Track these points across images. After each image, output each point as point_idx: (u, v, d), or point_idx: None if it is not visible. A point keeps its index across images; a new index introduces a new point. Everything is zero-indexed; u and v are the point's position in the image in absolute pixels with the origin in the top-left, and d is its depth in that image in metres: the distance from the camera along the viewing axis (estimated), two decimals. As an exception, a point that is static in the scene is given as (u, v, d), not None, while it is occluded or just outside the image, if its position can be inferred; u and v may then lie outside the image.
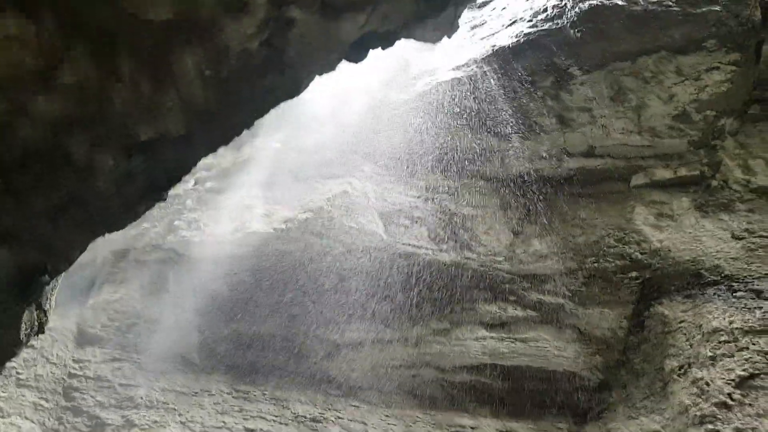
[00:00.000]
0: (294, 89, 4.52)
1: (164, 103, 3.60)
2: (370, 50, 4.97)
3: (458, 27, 6.24)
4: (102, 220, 3.83)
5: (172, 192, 12.26)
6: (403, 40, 5.37)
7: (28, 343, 4.46)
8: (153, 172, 3.89)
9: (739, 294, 9.09)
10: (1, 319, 3.82)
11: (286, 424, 10.34)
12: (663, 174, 10.42)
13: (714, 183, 10.06)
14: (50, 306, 4.56)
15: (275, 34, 3.84)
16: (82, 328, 11.81)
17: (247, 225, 11.18)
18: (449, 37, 6.03)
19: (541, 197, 10.97)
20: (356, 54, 4.80)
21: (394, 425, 10.29)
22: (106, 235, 11.98)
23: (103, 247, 12.34)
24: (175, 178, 4.18)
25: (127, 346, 11.56)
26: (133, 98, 3.43)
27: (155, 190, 4.11)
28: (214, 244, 11.29)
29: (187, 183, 12.12)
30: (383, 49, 5.22)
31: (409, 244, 11.03)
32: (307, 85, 4.65)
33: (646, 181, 10.50)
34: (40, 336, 11.17)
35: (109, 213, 3.83)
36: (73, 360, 11.42)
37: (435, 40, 5.85)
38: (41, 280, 3.68)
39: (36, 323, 4.35)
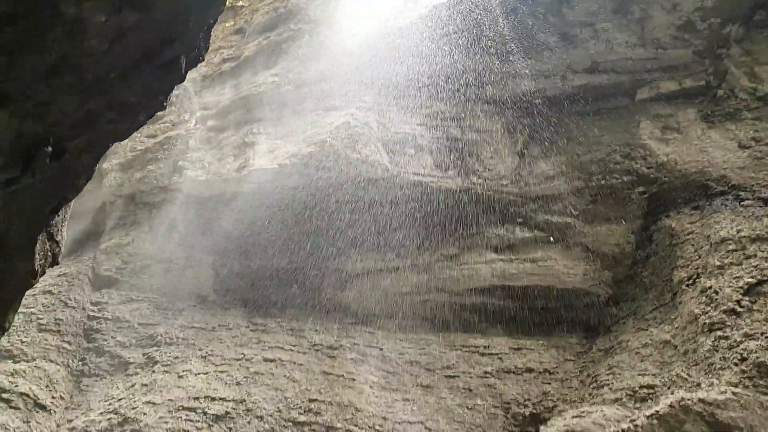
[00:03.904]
0: None
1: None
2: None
3: None
4: (96, 86, 3.69)
5: (173, 133, 12.27)
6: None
7: (43, 274, 4.50)
8: (145, 33, 3.73)
9: (746, 203, 9.10)
10: (16, 243, 3.85)
11: (304, 353, 10.58)
12: (668, 86, 10.31)
13: (720, 92, 9.95)
14: (62, 237, 4.60)
15: None
16: (97, 272, 12.01)
17: (251, 162, 11.17)
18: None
19: (545, 117, 10.88)
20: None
21: (409, 348, 10.52)
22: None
23: (110, 192, 12.43)
24: (168, 43, 3.99)
25: (143, 287, 11.76)
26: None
27: (149, 55, 3.93)
28: (219, 183, 11.33)
29: (188, 123, 12.07)
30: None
31: (415, 173, 11.02)
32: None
33: (651, 95, 10.39)
34: (57, 281, 11.40)
35: (102, 78, 3.70)
36: (91, 303, 11.64)
37: None
38: (43, 152, 3.59)
39: (49, 254, 4.40)
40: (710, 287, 8.39)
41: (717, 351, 7.65)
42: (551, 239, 10.60)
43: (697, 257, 8.98)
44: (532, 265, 10.54)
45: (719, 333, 7.89)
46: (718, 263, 8.61)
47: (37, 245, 4.20)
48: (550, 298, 10.37)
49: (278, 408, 9.62)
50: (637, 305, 9.63)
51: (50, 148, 3.58)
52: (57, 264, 4.68)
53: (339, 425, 9.30)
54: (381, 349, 10.55)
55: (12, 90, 3.30)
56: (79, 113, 3.68)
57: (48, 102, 3.48)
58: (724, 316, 8.01)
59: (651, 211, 10.04)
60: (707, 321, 8.08)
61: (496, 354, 10.21)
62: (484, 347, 10.32)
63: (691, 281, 8.81)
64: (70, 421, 10.16)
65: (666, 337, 8.70)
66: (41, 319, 11.20)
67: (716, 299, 8.21)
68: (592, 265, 10.25)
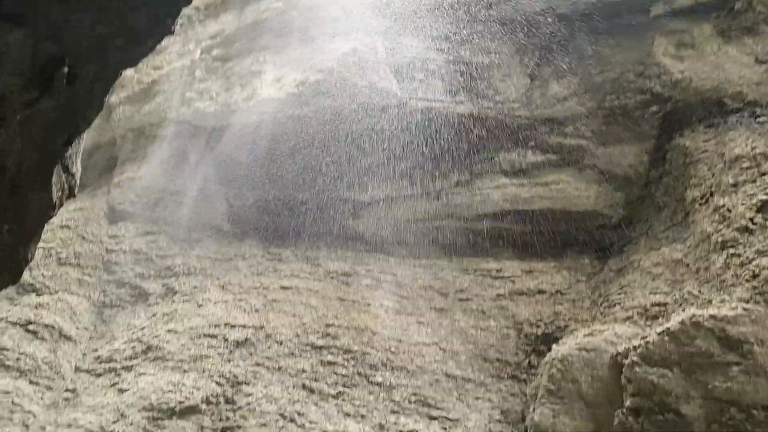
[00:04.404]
0: None
1: None
2: None
3: None
4: (106, 6, 3.69)
5: (178, 64, 12.10)
6: None
7: (62, 206, 4.57)
8: None
9: (762, 119, 8.95)
10: (35, 178, 3.92)
11: (320, 280, 10.76)
12: (683, 1, 9.98)
13: (737, 6, 9.63)
14: (77, 170, 4.64)
15: None
16: (111, 206, 12.15)
17: (258, 92, 11.06)
18: None
19: (557, 37, 10.62)
20: None
21: (422, 274, 10.65)
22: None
23: (120, 125, 12.40)
24: None
25: (158, 220, 11.91)
26: None
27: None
28: (228, 113, 11.26)
29: (194, 53, 11.90)
30: None
31: (425, 99, 10.89)
32: None
33: (666, 10, 10.07)
34: (74, 215, 11.54)
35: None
36: (109, 236, 11.83)
37: None
38: (60, 73, 3.61)
39: (66, 186, 4.46)
40: (723, 205, 8.35)
41: (729, 268, 7.70)
42: (564, 162, 10.53)
43: (711, 176, 8.91)
44: (544, 189, 10.51)
45: (731, 250, 7.90)
46: (731, 181, 8.52)
47: (54, 176, 4.25)
48: (562, 220, 10.35)
49: (296, 333, 9.87)
50: (650, 225, 9.64)
51: (66, 69, 3.58)
52: (74, 196, 4.75)
53: (356, 348, 9.55)
54: (395, 275, 10.70)
55: (25, 9, 3.27)
56: (91, 38, 3.65)
57: (61, 22, 3.45)
58: (736, 233, 7.99)
59: (665, 130, 9.89)
60: (719, 239, 8.09)
61: (508, 277, 10.34)
62: (497, 271, 10.43)
63: (704, 200, 8.78)
64: (95, 350, 10.51)
65: (678, 255, 8.73)
66: (60, 253, 11.42)
67: (729, 217, 8.18)
68: (605, 186, 10.21)
